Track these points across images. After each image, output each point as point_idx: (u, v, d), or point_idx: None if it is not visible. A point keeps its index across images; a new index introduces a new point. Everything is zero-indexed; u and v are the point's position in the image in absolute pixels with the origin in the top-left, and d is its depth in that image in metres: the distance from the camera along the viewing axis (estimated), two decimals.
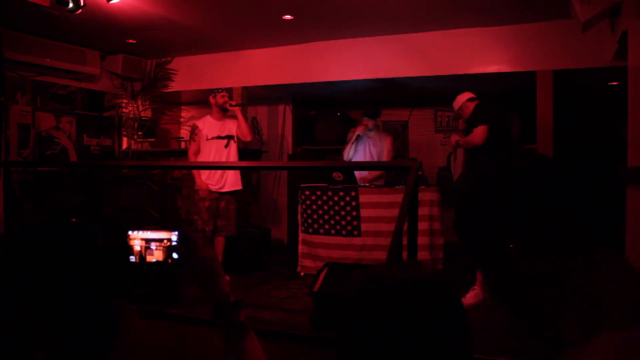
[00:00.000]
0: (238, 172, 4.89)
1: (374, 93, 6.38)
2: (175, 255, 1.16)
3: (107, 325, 0.96)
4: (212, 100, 4.88)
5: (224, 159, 4.86)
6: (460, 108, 4.32)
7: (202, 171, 4.83)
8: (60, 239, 0.96)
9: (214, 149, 4.80)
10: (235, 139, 4.88)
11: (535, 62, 4.87)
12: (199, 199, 4.80)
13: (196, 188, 4.84)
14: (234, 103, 4.88)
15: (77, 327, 0.93)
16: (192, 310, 3.29)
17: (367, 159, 5.34)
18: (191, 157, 4.94)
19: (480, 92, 4.12)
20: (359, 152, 5.38)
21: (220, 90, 4.90)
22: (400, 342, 0.69)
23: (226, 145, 4.84)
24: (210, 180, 4.78)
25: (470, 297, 3.76)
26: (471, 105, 4.22)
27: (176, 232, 1.17)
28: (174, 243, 1.17)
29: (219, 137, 4.83)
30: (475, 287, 3.83)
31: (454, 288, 0.77)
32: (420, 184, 4.52)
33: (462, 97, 4.32)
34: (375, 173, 5.28)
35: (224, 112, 4.86)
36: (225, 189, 4.82)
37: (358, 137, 5.37)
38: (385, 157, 5.34)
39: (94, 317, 0.95)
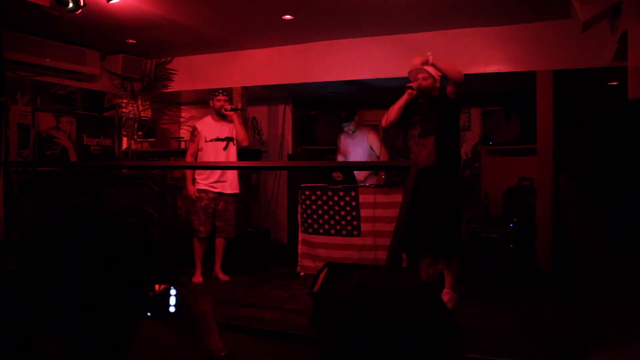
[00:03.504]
0: (236, 175, 4.87)
1: (374, 93, 6.38)
2: (172, 309, 1.18)
3: (126, 329, 0.96)
4: (210, 102, 4.88)
5: (222, 161, 4.85)
6: (443, 77, 3.96)
7: (198, 174, 4.82)
8: (105, 237, 0.95)
9: (213, 151, 4.80)
10: (235, 141, 4.87)
11: (535, 62, 4.87)
12: (197, 198, 4.80)
13: (183, 194, 4.84)
14: (228, 108, 4.83)
15: (99, 328, 0.92)
16: None
17: (358, 159, 5.41)
18: (188, 159, 4.94)
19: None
20: (349, 155, 5.53)
21: (218, 93, 4.87)
22: (382, 353, 0.68)
23: (225, 148, 4.82)
24: (208, 181, 4.77)
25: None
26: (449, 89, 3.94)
27: (173, 288, 1.19)
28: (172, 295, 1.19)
29: (217, 139, 4.82)
30: (446, 289, 3.80)
31: (440, 299, 0.76)
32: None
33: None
34: (365, 172, 5.36)
35: (221, 117, 4.85)
36: (224, 191, 4.81)
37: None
38: (377, 151, 5.39)
39: (118, 319, 0.94)
